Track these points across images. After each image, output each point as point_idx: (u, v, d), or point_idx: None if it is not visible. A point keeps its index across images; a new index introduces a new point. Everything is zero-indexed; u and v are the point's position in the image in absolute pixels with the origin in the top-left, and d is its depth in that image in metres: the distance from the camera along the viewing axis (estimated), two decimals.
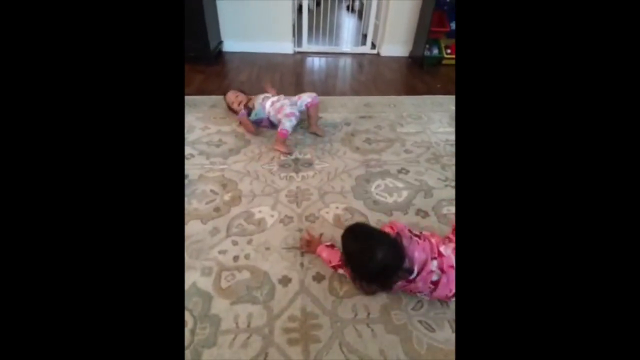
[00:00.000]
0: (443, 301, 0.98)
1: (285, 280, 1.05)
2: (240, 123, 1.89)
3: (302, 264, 1.10)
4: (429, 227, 1.27)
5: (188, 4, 2.43)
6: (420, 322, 0.95)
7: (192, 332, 0.90)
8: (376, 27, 3.38)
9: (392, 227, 1.01)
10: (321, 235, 1.18)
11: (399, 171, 1.59)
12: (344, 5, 5.15)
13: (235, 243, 1.17)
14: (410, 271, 0.91)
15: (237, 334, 0.90)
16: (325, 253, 1.07)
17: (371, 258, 0.87)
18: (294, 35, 3.26)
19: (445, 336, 0.92)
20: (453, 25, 2.94)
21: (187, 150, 1.66)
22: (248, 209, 1.32)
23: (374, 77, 2.84)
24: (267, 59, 3.06)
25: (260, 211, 1.31)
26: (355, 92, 2.50)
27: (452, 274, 0.91)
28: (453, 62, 3.09)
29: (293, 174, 1.53)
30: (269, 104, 1.81)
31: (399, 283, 0.93)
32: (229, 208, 1.32)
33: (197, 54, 2.69)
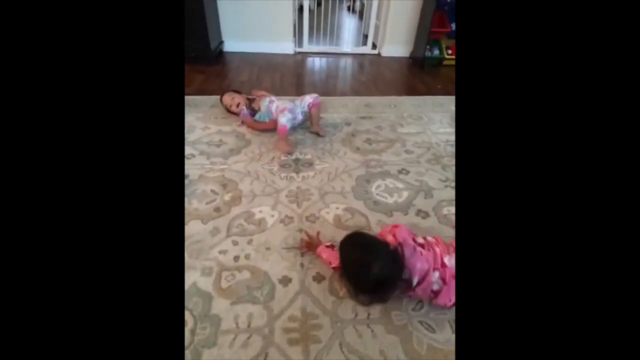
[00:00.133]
0: None
1: (285, 281, 1.05)
2: (243, 122, 1.89)
3: (302, 264, 1.10)
4: (429, 227, 1.27)
5: (188, 3, 2.44)
6: (420, 322, 0.95)
7: (192, 332, 0.90)
8: (377, 27, 3.38)
9: (394, 236, 0.95)
10: (318, 233, 1.18)
11: (400, 172, 1.59)
12: (345, 5, 5.15)
13: (235, 243, 1.17)
14: (410, 282, 0.90)
15: (237, 334, 0.90)
16: (325, 254, 1.07)
17: (368, 272, 0.83)
18: (294, 36, 3.27)
19: (446, 337, 0.92)
20: (454, 26, 2.94)
21: (188, 150, 1.66)
22: (248, 209, 1.32)
23: (375, 77, 2.85)
24: (267, 59, 3.06)
25: (260, 211, 1.31)
26: (356, 92, 2.51)
27: (454, 284, 0.90)
28: (454, 62, 3.09)
29: (293, 174, 1.53)
30: (274, 107, 1.82)
31: (398, 291, 0.92)
32: (230, 208, 1.32)
33: (197, 54, 2.69)
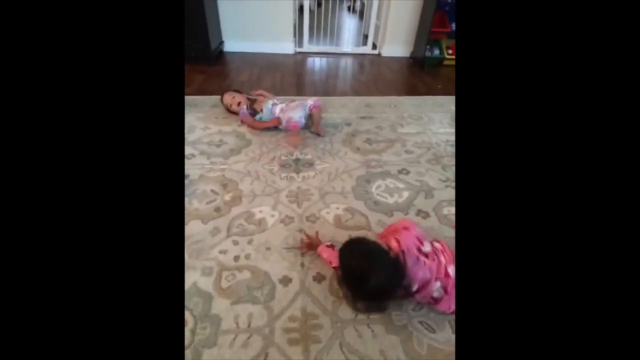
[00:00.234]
0: None
1: (285, 281, 1.05)
2: (242, 122, 1.89)
3: (302, 264, 1.10)
4: (429, 227, 1.27)
5: (189, 3, 2.44)
6: (420, 322, 0.95)
7: (193, 332, 0.90)
8: (377, 27, 3.38)
9: (399, 242, 0.91)
10: (317, 233, 1.18)
11: (400, 172, 1.59)
12: (345, 5, 5.15)
13: (235, 243, 1.17)
14: (409, 289, 0.89)
15: (238, 334, 0.90)
16: (325, 253, 1.07)
17: (367, 281, 0.83)
18: (295, 36, 3.27)
19: (446, 337, 0.92)
20: (454, 26, 2.94)
21: (188, 150, 1.66)
22: (249, 209, 1.32)
23: (375, 77, 2.85)
24: (268, 59, 3.06)
25: (260, 211, 1.31)
26: (356, 92, 2.51)
27: (455, 293, 0.89)
28: (454, 62, 3.09)
29: (294, 174, 1.53)
30: (278, 110, 1.83)
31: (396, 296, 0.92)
32: (230, 208, 1.32)
33: (198, 54, 2.69)
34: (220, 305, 0.97)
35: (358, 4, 4.57)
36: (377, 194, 1.44)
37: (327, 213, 1.32)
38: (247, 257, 1.12)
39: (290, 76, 2.76)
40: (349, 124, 1.98)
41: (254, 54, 3.14)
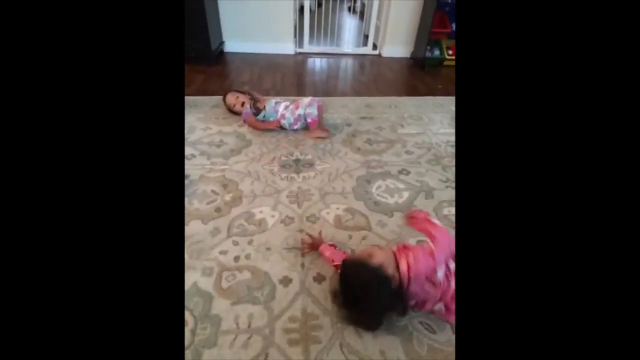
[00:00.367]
0: None
1: (286, 281, 1.05)
2: (245, 121, 1.89)
3: (302, 265, 1.10)
4: None
5: (189, 4, 2.44)
6: (420, 323, 0.95)
7: (193, 332, 0.90)
8: (377, 28, 3.38)
9: (409, 267, 0.85)
10: (320, 232, 1.18)
11: (400, 172, 1.59)
12: (346, 6, 5.15)
13: (236, 243, 1.17)
14: (406, 306, 0.89)
15: (238, 334, 0.90)
16: (328, 252, 1.08)
17: (361, 311, 0.86)
18: (295, 36, 3.27)
19: (446, 337, 0.92)
20: (454, 26, 2.94)
21: (188, 150, 1.66)
22: (249, 209, 1.32)
23: (375, 78, 2.85)
24: (268, 59, 3.07)
25: (261, 211, 1.31)
26: (357, 92, 2.51)
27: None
28: (454, 63, 3.09)
29: (294, 175, 1.53)
30: (282, 108, 1.84)
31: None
32: (230, 208, 1.32)
33: (198, 54, 2.69)
34: (220, 306, 0.97)
35: (358, 4, 4.57)
36: (378, 195, 1.44)
37: (328, 213, 1.32)
38: (248, 257, 1.12)
39: (290, 76, 2.76)
40: (349, 125, 1.98)
41: (255, 55, 3.14)
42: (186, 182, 1.45)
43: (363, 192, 1.44)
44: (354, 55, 3.39)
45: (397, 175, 1.57)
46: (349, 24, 4.60)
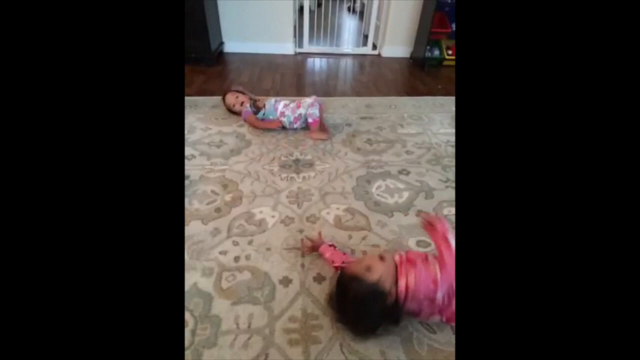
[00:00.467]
0: None
1: (286, 281, 1.05)
2: (245, 121, 1.89)
3: (302, 265, 1.10)
4: None
5: (189, 4, 2.44)
6: (421, 323, 0.94)
7: (193, 332, 0.90)
8: (377, 28, 3.38)
9: (407, 286, 0.83)
10: (320, 233, 1.17)
11: (400, 172, 1.59)
12: (345, 6, 5.15)
13: (236, 243, 1.17)
14: (398, 319, 0.89)
15: (238, 335, 0.90)
16: (328, 253, 1.07)
17: (355, 325, 0.87)
18: (295, 36, 3.27)
19: (446, 338, 0.91)
20: (454, 27, 2.94)
21: (188, 150, 1.66)
22: (249, 209, 1.32)
23: (375, 78, 2.85)
24: (268, 59, 3.07)
25: (261, 212, 1.31)
26: (356, 93, 2.51)
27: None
28: (454, 63, 3.09)
29: (294, 175, 1.53)
30: (281, 106, 1.85)
31: None
32: (230, 209, 1.32)
33: (198, 55, 2.69)
34: (220, 306, 0.97)
35: (358, 4, 4.58)
36: (378, 195, 1.44)
37: (328, 213, 1.32)
38: (248, 257, 1.12)
39: (290, 77, 2.76)
40: (349, 125, 1.99)
41: (254, 55, 3.14)
42: (186, 182, 1.45)
43: (363, 192, 1.44)
44: (354, 56, 3.39)
45: (397, 176, 1.57)
46: (349, 24, 4.60)
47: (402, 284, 0.84)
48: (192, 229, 1.22)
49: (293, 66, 3.02)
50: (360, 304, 0.83)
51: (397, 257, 0.91)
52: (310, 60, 3.23)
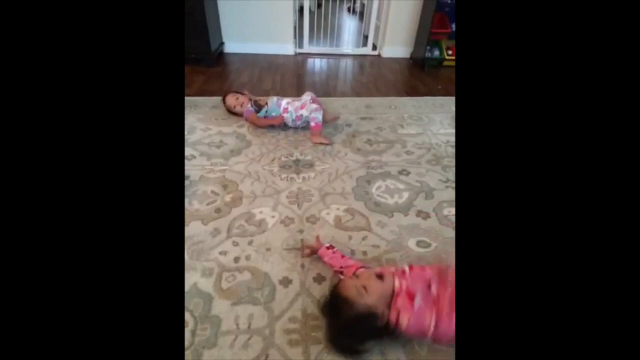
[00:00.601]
0: None
1: (286, 282, 1.05)
2: (247, 120, 1.89)
3: (302, 265, 1.10)
4: (430, 228, 1.27)
5: (189, 4, 2.44)
6: None
7: (193, 332, 0.90)
8: (377, 28, 3.38)
9: (398, 318, 0.81)
10: (317, 237, 1.16)
11: (400, 172, 1.59)
12: (345, 6, 5.16)
13: (236, 244, 1.17)
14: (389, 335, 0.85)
15: (238, 335, 0.90)
16: (326, 257, 1.07)
17: (345, 336, 0.84)
18: (295, 37, 3.27)
19: None
20: (454, 27, 2.94)
21: (188, 151, 1.66)
22: (249, 209, 1.32)
23: (375, 78, 2.85)
24: (268, 60, 3.07)
25: (261, 212, 1.31)
26: (356, 93, 2.51)
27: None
28: (454, 63, 3.09)
29: (294, 175, 1.53)
30: (284, 103, 1.86)
31: None
32: (230, 209, 1.32)
33: (198, 55, 2.69)
34: (220, 306, 0.96)
35: (358, 4, 4.58)
36: (378, 195, 1.44)
37: (327, 214, 1.32)
38: (248, 258, 1.12)
39: (290, 77, 2.76)
40: (349, 125, 1.99)
41: (254, 55, 3.14)
42: (186, 182, 1.45)
43: (363, 193, 1.44)
44: (354, 56, 3.39)
45: (397, 176, 1.57)
46: (349, 24, 4.60)
47: (393, 317, 0.81)
48: (192, 229, 1.22)
49: (293, 67, 3.02)
50: (350, 325, 0.81)
51: (397, 283, 0.85)
52: (310, 60, 3.23)
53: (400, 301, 0.82)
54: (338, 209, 1.35)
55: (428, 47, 2.96)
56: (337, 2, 4.42)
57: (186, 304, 0.96)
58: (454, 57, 3.05)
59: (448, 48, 3.08)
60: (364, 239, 1.22)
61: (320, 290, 1.02)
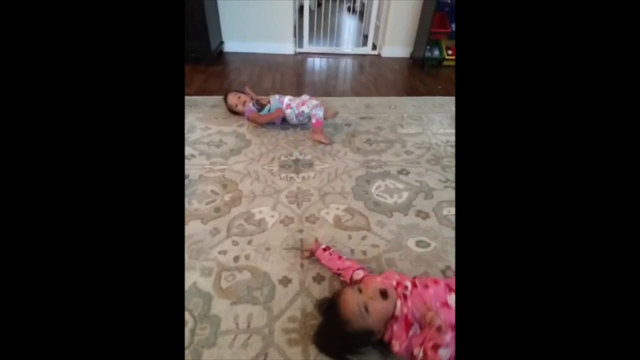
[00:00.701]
0: None
1: (285, 281, 1.05)
2: (249, 119, 1.89)
3: (302, 265, 1.10)
4: (429, 228, 1.27)
5: (189, 4, 2.44)
6: None
7: (192, 332, 0.90)
8: (377, 28, 3.38)
9: (391, 338, 0.81)
10: (316, 240, 1.15)
11: (400, 172, 1.60)
12: (345, 6, 5.15)
13: (235, 243, 1.17)
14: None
15: (237, 335, 0.90)
16: (324, 260, 1.07)
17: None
18: (295, 36, 3.27)
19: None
20: (454, 27, 2.94)
21: (188, 150, 1.66)
22: (248, 209, 1.32)
23: (375, 78, 2.85)
24: (268, 59, 3.07)
25: (260, 212, 1.31)
26: (356, 93, 2.51)
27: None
28: (454, 63, 3.09)
29: (293, 175, 1.53)
30: (287, 100, 1.87)
31: None
32: (230, 208, 1.32)
33: (198, 54, 2.69)
34: (219, 306, 0.97)
35: (358, 4, 4.57)
36: (377, 195, 1.44)
37: (327, 213, 1.32)
38: (247, 257, 1.12)
39: (290, 76, 2.76)
40: (348, 125, 1.99)
41: (254, 54, 3.14)
42: (185, 182, 1.45)
43: (362, 192, 1.45)
44: (354, 56, 3.39)
45: (397, 176, 1.57)
46: (349, 24, 4.60)
47: (387, 336, 0.82)
48: (192, 228, 1.22)
49: (293, 66, 3.02)
50: (344, 339, 0.81)
51: (398, 307, 0.82)
52: (310, 60, 3.23)
53: (397, 327, 0.81)
54: (337, 208, 1.35)
55: (428, 47, 2.96)
56: (337, 1, 4.42)
57: (185, 304, 0.96)
58: (453, 57, 3.05)
59: (448, 48, 3.08)
60: (363, 238, 1.22)
61: (320, 290, 1.02)
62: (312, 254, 1.10)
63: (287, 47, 3.25)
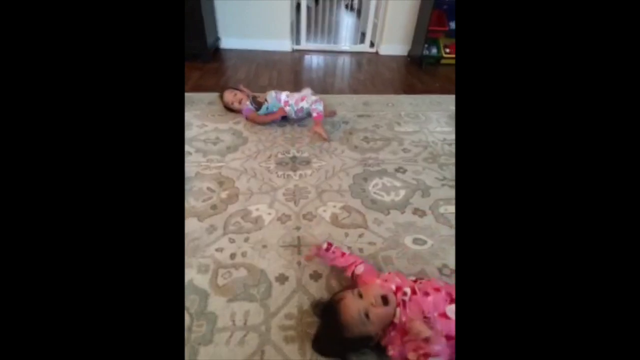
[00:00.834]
0: None
1: (282, 278, 1.05)
2: (247, 118, 1.88)
3: (299, 262, 1.10)
4: (426, 226, 1.28)
5: (186, 0, 2.42)
6: None
7: (189, 329, 0.89)
8: (375, 25, 3.37)
9: (386, 346, 0.81)
10: (314, 247, 1.12)
11: (397, 170, 1.60)
12: (343, 3, 5.13)
13: (232, 241, 1.17)
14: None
15: (234, 332, 0.90)
16: (328, 261, 1.05)
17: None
18: (292, 33, 3.25)
19: None
20: (452, 25, 2.94)
21: (185, 147, 1.65)
22: (245, 206, 1.32)
23: (373, 75, 2.84)
24: (265, 56, 3.05)
25: (257, 209, 1.31)
26: (354, 90, 2.50)
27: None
28: (452, 61, 3.09)
29: (290, 172, 1.53)
30: (284, 97, 1.85)
31: None
32: (226, 206, 1.32)
33: (194, 51, 2.67)
34: (216, 303, 0.96)
35: (356, 1, 4.56)
36: (374, 192, 1.44)
37: (324, 211, 1.32)
38: (244, 254, 1.12)
39: (287, 74, 2.75)
40: (346, 122, 1.98)
41: (251, 51, 3.12)
42: None
43: (360, 190, 1.45)
44: (351, 53, 3.38)
45: (394, 174, 1.57)
46: (346, 21, 4.59)
47: (384, 341, 0.82)
48: (188, 226, 1.21)
49: (290, 63, 3.01)
50: (342, 343, 0.82)
51: (397, 315, 0.82)
52: (307, 57, 3.22)
53: (394, 334, 0.81)
54: (335, 206, 1.35)
55: (426, 45, 2.96)
56: None
57: None
58: (451, 55, 3.06)
59: (446, 46, 3.08)
60: (360, 236, 1.22)
61: (317, 287, 1.02)
62: (316, 255, 1.09)
63: (285, 44, 3.24)
